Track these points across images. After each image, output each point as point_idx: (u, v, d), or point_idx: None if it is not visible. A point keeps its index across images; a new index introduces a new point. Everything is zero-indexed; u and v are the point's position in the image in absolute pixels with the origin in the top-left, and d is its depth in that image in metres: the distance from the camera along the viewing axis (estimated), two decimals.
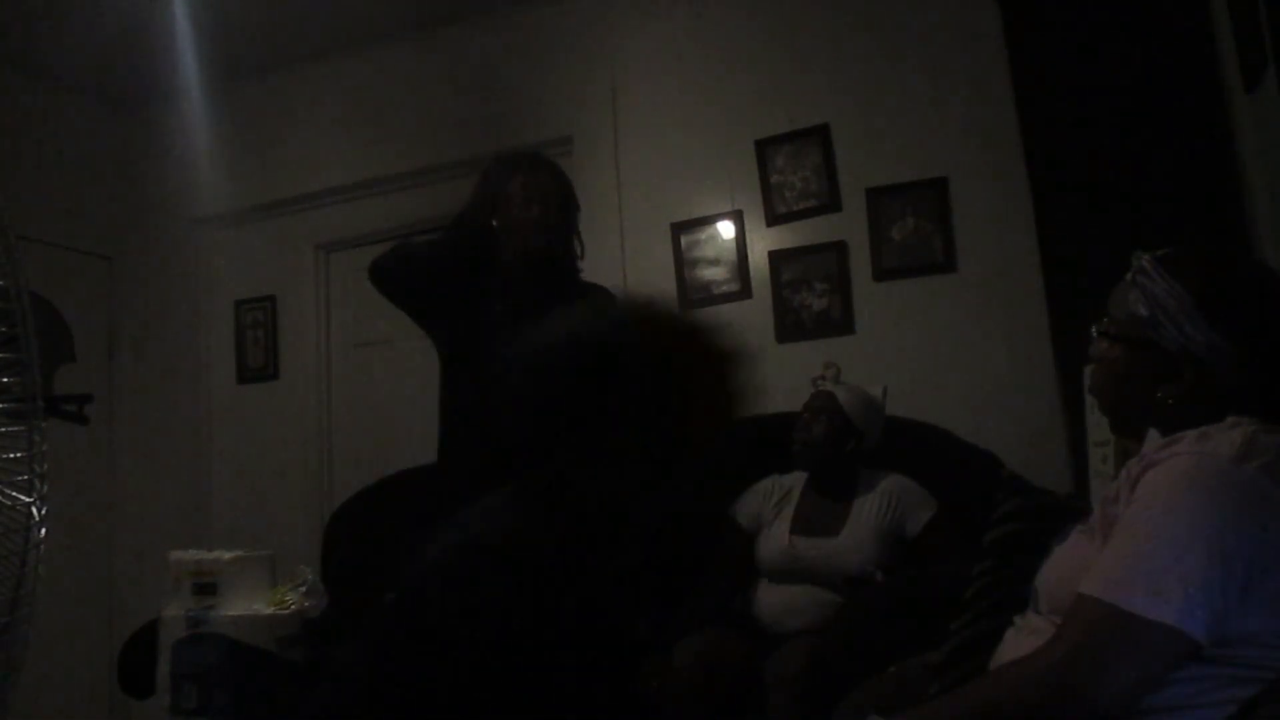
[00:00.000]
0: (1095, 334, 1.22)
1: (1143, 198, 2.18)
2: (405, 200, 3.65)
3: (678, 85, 3.25)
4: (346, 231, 3.81)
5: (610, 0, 3.37)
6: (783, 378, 2.90)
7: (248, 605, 2.36)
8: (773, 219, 3.09)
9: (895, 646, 1.54)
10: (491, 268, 2.28)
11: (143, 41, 3.47)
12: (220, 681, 2.21)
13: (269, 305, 3.89)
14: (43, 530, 1.63)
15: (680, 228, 3.20)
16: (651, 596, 2.15)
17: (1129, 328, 1.16)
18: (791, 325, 3.01)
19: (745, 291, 3.08)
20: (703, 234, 3.17)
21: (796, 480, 2.44)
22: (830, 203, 3.02)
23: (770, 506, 2.42)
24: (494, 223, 2.26)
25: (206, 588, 2.36)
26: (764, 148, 3.10)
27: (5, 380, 1.59)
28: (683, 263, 3.18)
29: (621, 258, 3.23)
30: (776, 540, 2.32)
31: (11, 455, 1.61)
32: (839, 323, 2.96)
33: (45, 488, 1.63)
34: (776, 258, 3.07)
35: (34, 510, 1.61)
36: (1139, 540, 1.00)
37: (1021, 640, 1.15)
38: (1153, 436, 1.17)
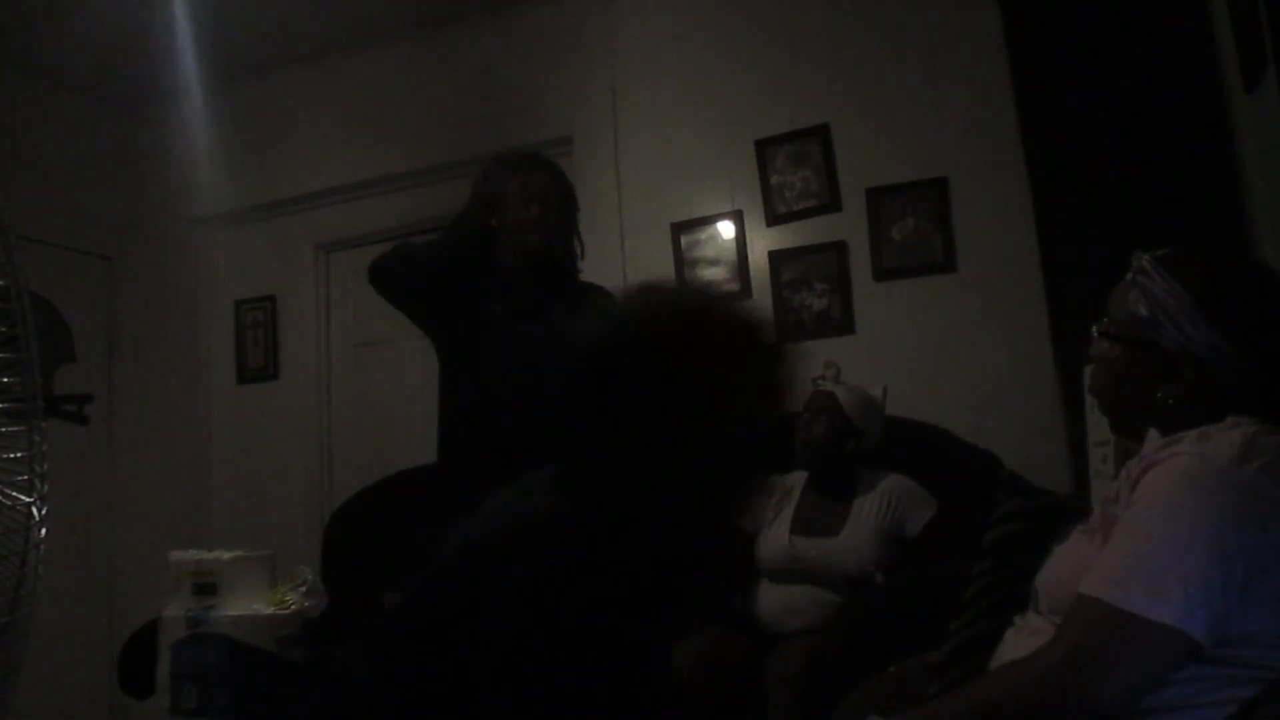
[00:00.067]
0: (1095, 334, 1.22)
1: (1143, 198, 2.18)
2: (405, 200, 3.65)
3: (678, 85, 3.25)
4: (346, 231, 3.81)
5: (610, 0, 3.37)
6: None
7: (248, 605, 2.36)
8: (773, 219, 3.09)
9: (895, 646, 1.54)
10: (491, 268, 2.28)
11: (143, 41, 3.47)
12: (220, 681, 2.21)
13: (269, 305, 3.89)
14: (43, 530, 1.63)
15: (680, 228, 3.20)
16: (653, 598, 2.14)
17: (1129, 328, 1.16)
18: (791, 325, 3.01)
19: (745, 291, 3.08)
20: (703, 234, 3.17)
21: (796, 480, 2.44)
22: (830, 203, 3.02)
23: (770, 507, 2.42)
24: (493, 223, 2.26)
25: (206, 588, 2.36)
26: (764, 148, 3.10)
27: (5, 380, 1.59)
28: (683, 263, 3.18)
29: (621, 258, 3.23)
30: (776, 540, 2.32)
31: (11, 455, 1.61)
32: (839, 323, 2.96)
33: (45, 488, 1.63)
34: (776, 258, 3.07)
35: (34, 510, 1.61)
36: (1139, 540, 1.00)
37: (1021, 640, 1.15)
38: (1153, 436, 1.17)
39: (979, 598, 1.39)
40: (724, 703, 2.01)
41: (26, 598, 1.61)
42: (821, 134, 3.04)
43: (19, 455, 1.61)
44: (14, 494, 1.60)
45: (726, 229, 3.14)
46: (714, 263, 3.14)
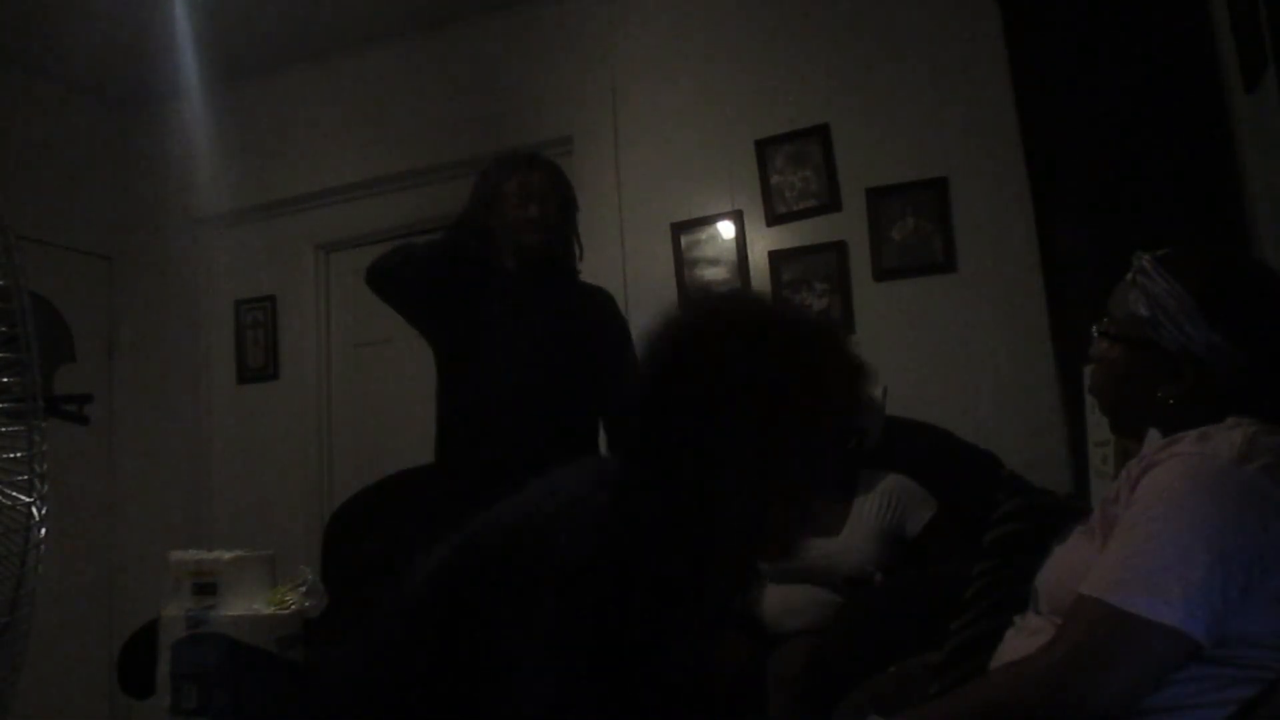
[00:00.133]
0: (1095, 334, 1.22)
1: (1143, 198, 2.18)
2: (405, 200, 3.65)
3: (678, 85, 3.25)
4: (346, 231, 3.81)
5: (610, 0, 3.37)
6: None
7: (248, 605, 2.36)
8: (773, 219, 3.09)
9: (895, 646, 1.54)
10: (490, 268, 2.28)
11: (143, 41, 3.47)
12: (220, 681, 2.21)
13: (269, 305, 3.89)
14: (43, 530, 1.63)
15: (680, 228, 3.20)
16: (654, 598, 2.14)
17: (1129, 328, 1.16)
18: None
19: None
20: (703, 234, 3.17)
21: None
22: (830, 203, 3.02)
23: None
24: (492, 223, 2.26)
25: (206, 588, 2.36)
26: (764, 148, 3.11)
27: (5, 380, 1.59)
28: (683, 263, 3.18)
29: (621, 258, 3.23)
30: None
31: (11, 455, 1.61)
32: (839, 323, 2.96)
33: (45, 488, 1.63)
34: (776, 258, 3.07)
35: (34, 510, 1.61)
36: (1139, 541, 1.00)
37: (1021, 640, 1.15)
38: (1153, 437, 1.17)
39: (979, 598, 1.39)
40: (724, 703, 2.01)
41: (26, 598, 1.61)
42: (821, 134, 3.04)
43: (19, 455, 1.61)
44: (14, 494, 1.60)
45: (726, 229, 3.14)
46: (714, 263, 3.14)
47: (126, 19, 3.34)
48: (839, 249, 2.99)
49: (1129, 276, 1.17)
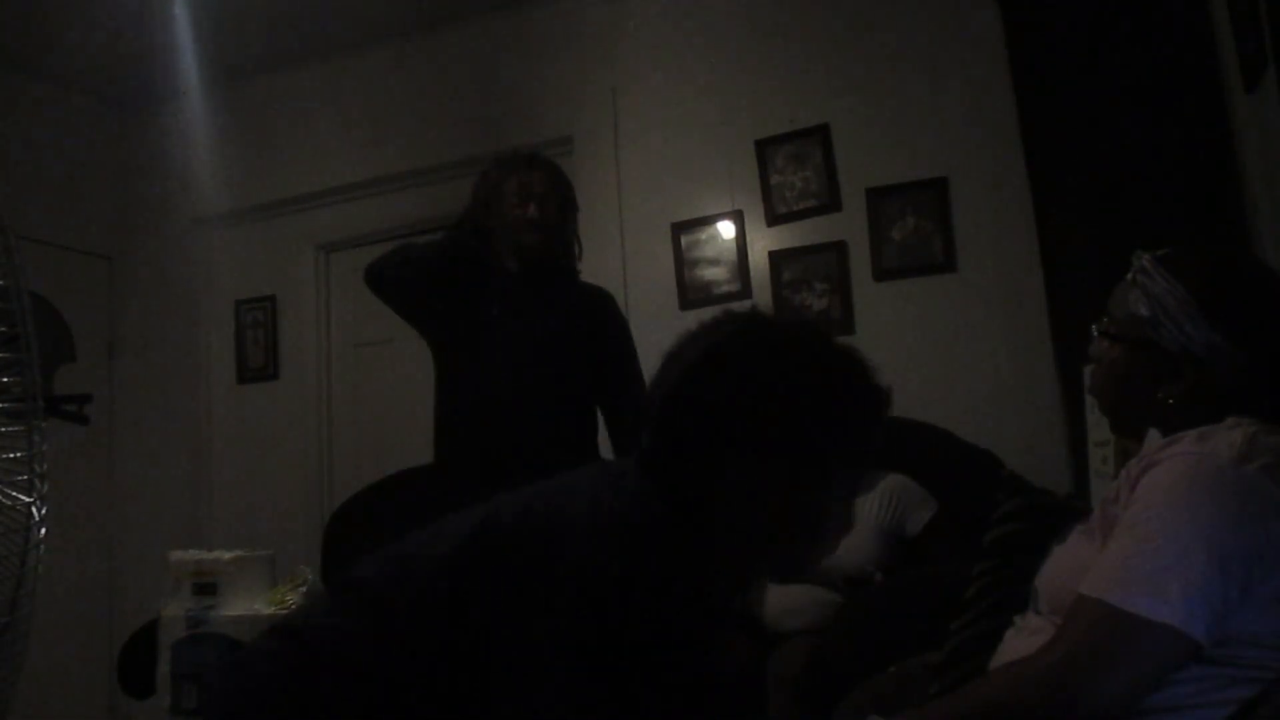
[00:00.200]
0: (1095, 334, 1.22)
1: (1143, 198, 2.18)
2: (405, 200, 3.65)
3: (678, 85, 3.25)
4: (346, 231, 3.81)
5: (610, 0, 3.37)
6: None
7: (248, 605, 2.36)
8: (773, 219, 3.09)
9: (895, 646, 1.54)
10: (489, 269, 2.28)
11: (143, 41, 3.47)
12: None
13: (269, 305, 3.89)
14: (43, 530, 1.63)
15: (680, 228, 3.20)
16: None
17: (1129, 327, 1.16)
18: None
19: (745, 291, 3.08)
20: (703, 234, 3.17)
21: None
22: (830, 203, 3.02)
23: None
24: (491, 223, 2.26)
25: (206, 588, 2.36)
26: (764, 148, 3.10)
27: (5, 380, 1.59)
28: (683, 263, 3.18)
29: (621, 258, 3.23)
30: None
31: (11, 455, 1.61)
32: (839, 323, 2.96)
33: (45, 488, 1.63)
34: (776, 258, 3.07)
35: (34, 510, 1.61)
36: (1139, 541, 1.00)
37: (1021, 640, 1.15)
38: (1153, 437, 1.16)
39: (979, 598, 1.39)
40: (724, 703, 2.01)
41: (26, 598, 1.61)
42: (821, 134, 3.04)
43: (19, 455, 1.61)
44: (14, 494, 1.60)
45: (726, 229, 3.14)
46: (714, 263, 3.14)
47: (126, 19, 3.34)
48: (839, 249, 2.99)
49: (1129, 276, 1.17)
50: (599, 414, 2.35)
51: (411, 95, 3.66)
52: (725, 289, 3.10)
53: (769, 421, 1.00)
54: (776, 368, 1.02)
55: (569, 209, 2.34)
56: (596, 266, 2.65)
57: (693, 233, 3.18)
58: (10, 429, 1.61)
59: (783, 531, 1.04)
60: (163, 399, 3.96)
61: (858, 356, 1.07)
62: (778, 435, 1.00)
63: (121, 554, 3.90)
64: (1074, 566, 1.09)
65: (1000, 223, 2.78)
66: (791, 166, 3.07)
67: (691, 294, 3.15)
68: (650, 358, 1.12)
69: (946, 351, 2.82)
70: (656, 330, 1.29)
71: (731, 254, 3.12)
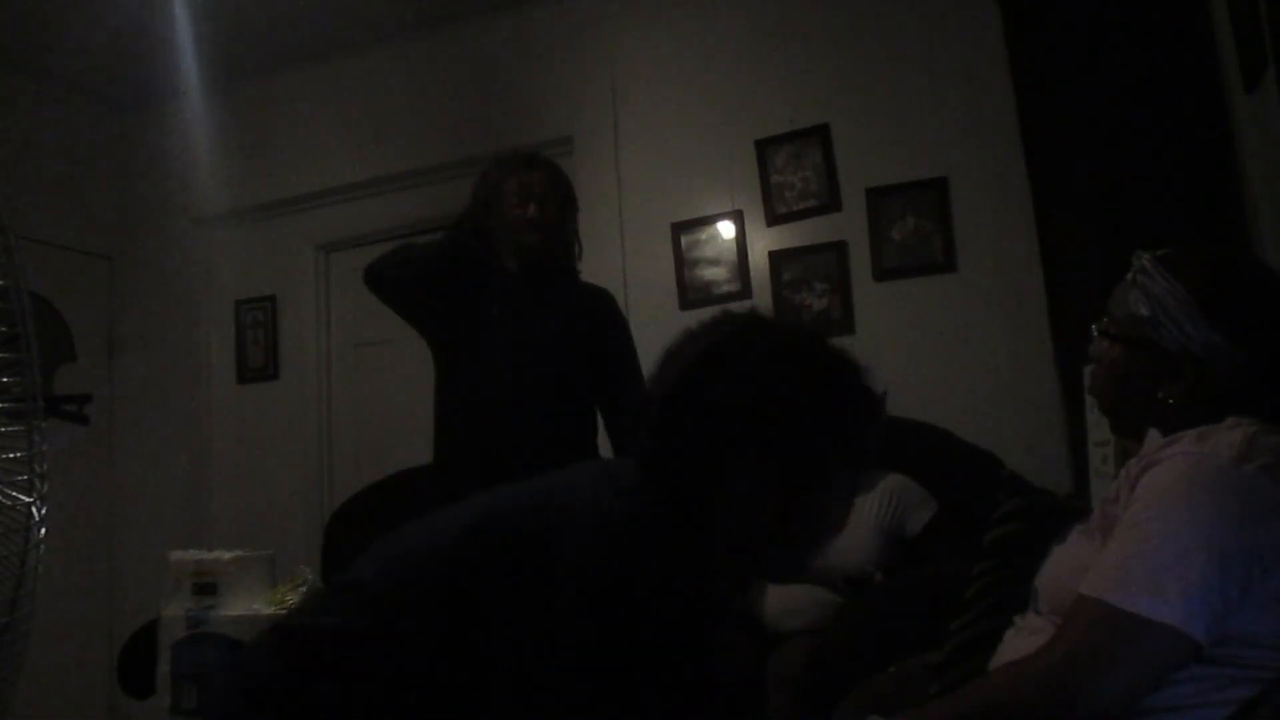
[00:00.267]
0: (1095, 334, 1.22)
1: (1143, 198, 2.18)
2: (405, 200, 3.65)
3: (678, 85, 3.25)
4: (346, 231, 3.81)
5: (610, 0, 3.37)
6: None
7: (248, 605, 2.36)
8: (773, 219, 3.09)
9: (895, 646, 1.54)
10: (488, 269, 2.28)
11: (143, 41, 3.47)
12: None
13: (269, 305, 3.89)
14: (43, 530, 1.63)
15: (680, 228, 3.20)
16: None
17: (1129, 327, 1.16)
18: None
19: (745, 292, 3.08)
20: (703, 234, 3.17)
21: None
22: (830, 203, 3.02)
23: None
24: (491, 223, 2.26)
25: (206, 588, 2.36)
26: (764, 148, 3.11)
27: (5, 380, 1.59)
28: (683, 263, 3.18)
29: (621, 258, 3.23)
30: None
31: (11, 455, 1.61)
32: (839, 323, 2.96)
33: (45, 488, 1.63)
34: (776, 258, 3.07)
35: (34, 510, 1.61)
36: (1139, 540, 1.00)
37: (1021, 640, 1.15)
38: (1153, 436, 1.16)
39: (979, 598, 1.39)
40: (724, 703, 2.01)
41: (26, 598, 1.61)
42: (821, 134, 3.04)
43: (19, 455, 1.61)
44: (14, 494, 1.60)
45: (726, 229, 3.14)
46: (714, 263, 3.14)
47: (126, 19, 3.34)
48: (839, 249, 2.99)
49: (1129, 276, 1.17)
50: (599, 414, 2.35)
51: (411, 95, 3.66)
52: (725, 289, 3.10)
53: (767, 422, 1.01)
54: (775, 369, 1.03)
55: (569, 209, 2.34)
56: (596, 266, 2.65)
57: (693, 233, 3.18)
58: (10, 429, 1.61)
59: (781, 531, 1.05)
60: (163, 399, 3.96)
61: (852, 358, 1.09)
62: (776, 435, 1.01)
63: (121, 554, 3.90)
64: (1074, 566, 1.09)
65: (1000, 223, 2.78)
66: (791, 166, 3.07)
67: (691, 294, 3.15)
68: (650, 358, 1.12)
69: (946, 351, 2.82)
70: (656, 330, 1.29)
71: (731, 254, 3.12)
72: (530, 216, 2.22)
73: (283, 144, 3.86)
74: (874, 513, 2.27)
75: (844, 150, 3.01)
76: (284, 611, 2.32)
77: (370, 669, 0.99)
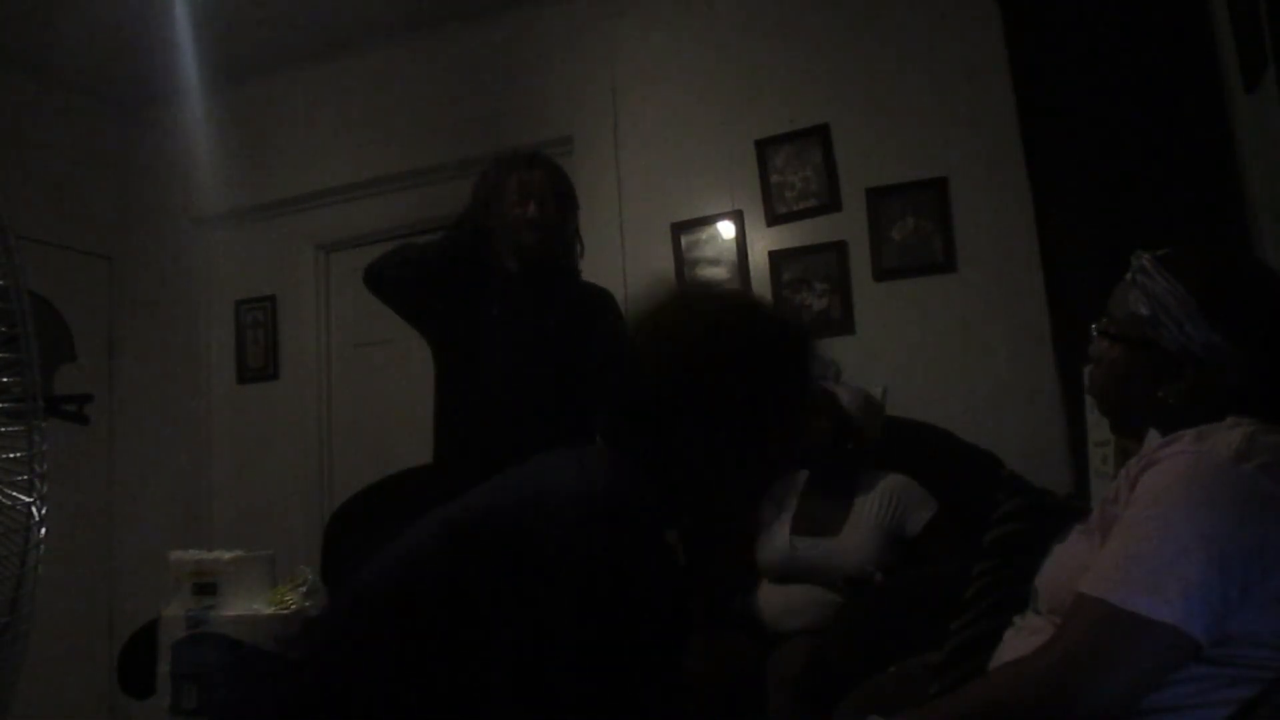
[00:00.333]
0: (1095, 334, 1.22)
1: (1143, 198, 2.18)
2: (405, 200, 3.65)
3: (678, 85, 3.25)
4: (346, 231, 3.81)
5: (610, 0, 3.37)
6: None
7: (248, 605, 2.36)
8: (773, 219, 3.09)
9: (895, 646, 1.54)
10: (489, 268, 2.27)
11: (143, 41, 3.47)
12: (220, 681, 2.21)
13: (269, 305, 3.89)
14: (43, 530, 1.63)
15: (680, 228, 3.20)
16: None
17: (1129, 327, 1.16)
18: None
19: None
20: (703, 234, 3.17)
21: (797, 480, 2.44)
22: (830, 203, 3.02)
23: (770, 507, 2.42)
24: (491, 223, 2.25)
25: (206, 588, 2.36)
26: (764, 148, 3.11)
27: (5, 380, 1.59)
28: (683, 263, 3.18)
29: (621, 258, 3.23)
30: (777, 541, 2.32)
31: (11, 455, 1.61)
32: (839, 323, 2.96)
33: (45, 488, 1.63)
34: (776, 258, 3.07)
35: (34, 510, 1.61)
36: (1138, 540, 1.00)
37: (1021, 640, 1.15)
38: (1153, 437, 1.16)
39: (979, 598, 1.39)
40: (724, 703, 2.01)
41: (26, 598, 1.61)
42: (821, 134, 3.04)
43: (19, 455, 1.61)
44: (14, 494, 1.60)
45: (726, 229, 3.14)
46: (714, 263, 3.14)
47: (126, 19, 3.34)
48: (839, 249, 2.99)
49: (1129, 276, 1.17)
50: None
51: (411, 95, 3.66)
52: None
53: (710, 380, 1.06)
54: (711, 331, 1.09)
55: (569, 208, 2.33)
56: (596, 266, 2.65)
57: (693, 233, 3.18)
58: (10, 429, 1.61)
59: (741, 480, 1.12)
60: (163, 399, 3.96)
61: (775, 310, 1.17)
62: (721, 394, 1.07)
63: (121, 554, 3.90)
64: (1074, 566, 1.09)
65: (1000, 223, 2.78)
66: (791, 166, 3.07)
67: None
68: None
69: (946, 351, 2.82)
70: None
71: (731, 254, 3.12)
72: (530, 216, 2.22)
73: (283, 144, 3.86)
74: (874, 513, 2.27)
75: (844, 150, 3.01)
76: (285, 612, 2.33)
77: (371, 670, 0.99)
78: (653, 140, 3.27)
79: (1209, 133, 2.11)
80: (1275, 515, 0.97)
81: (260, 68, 3.83)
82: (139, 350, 4.04)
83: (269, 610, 2.35)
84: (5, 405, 1.60)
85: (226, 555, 2.42)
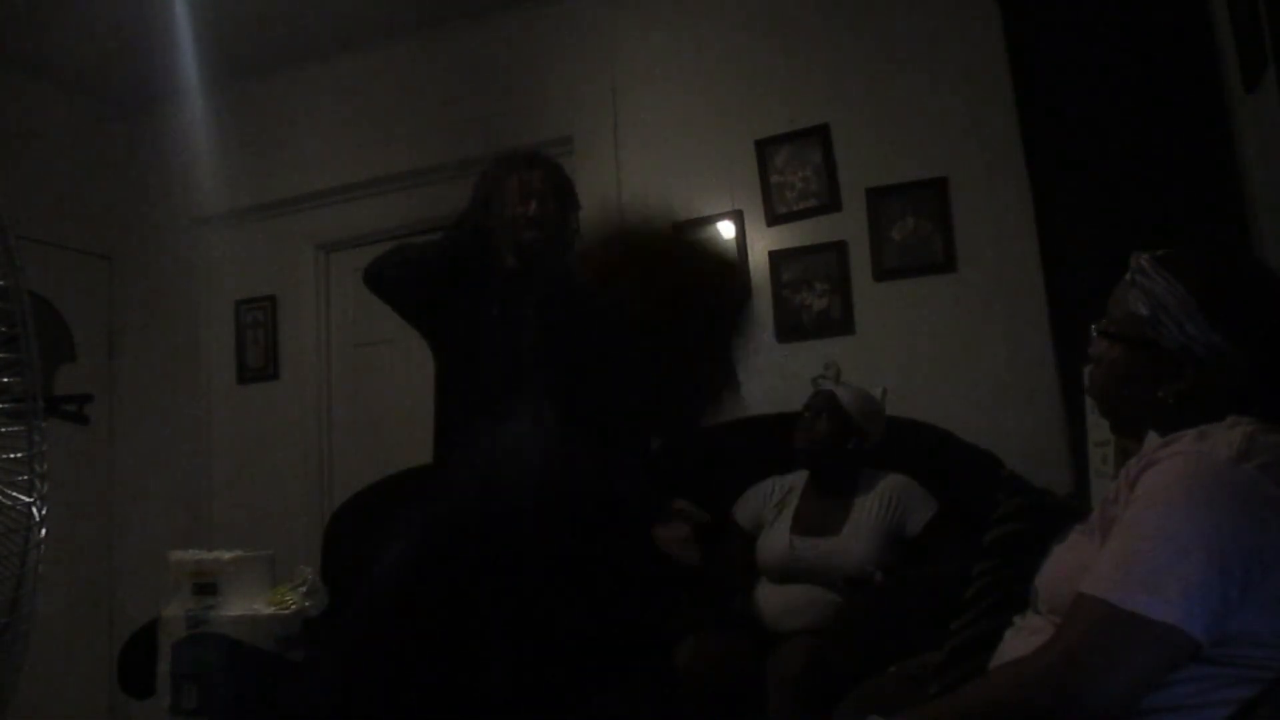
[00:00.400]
0: (1095, 334, 1.22)
1: (1143, 197, 2.18)
2: (405, 200, 3.65)
3: (678, 85, 3.25)
4: (346, 231, 3.81)
5: (610, 0, 3.37)
6: (783, 378, 2.90)
7: (248, 605, 2.36)
8: (773, 219, 3.09)
9: (895, 646, 1.54)
10: (489, 268, 2.27)
11: (143, 41, 3.47)
12: (220, 681, 2.21)
13: (269, 305, 3.89)
14: (43, 530, 1.63)
15: (680, 228, 3.19)
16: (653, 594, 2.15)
17: (1129, 327, 1.16)
18: (791, 325, 3.01)
19: (747, 291, 3.07)
20: (703, 234, 3.17)
21: (797, 480, 2.44)
22: (830, 203, 3.02)
23: (771, 507, 2.42)
24: (491, 222, 2.25)
25: (206, 588, 2.37)
26: (764, 148, 3.10)
27: (5, 380, 1.59)
28: None
29: None
30: (777, 541, 2.32)
31: (11, 455, 1.61)
32: (839, 323, 2.96)
33: (45, 488, 1.63)
34: (776, 258, 3.07)
35: (34, 510, 1.61)
36: (1138, 540, 1.00)
37: (1021, 640, 1.15)
38: (1153, 437, 1.17)
39: (979, 598, 1.39)
40: (724, 703, 2.01)
41: (26, 598, 1.61)
42: (821, 134, 3.04)
43: (19, 455, 1.61)
44: (14, 494, 1.60)
45: (726, 229, 3.14)
46: None
47: (126, 19, 3.34)
48: (839, 249, 2.99)
49: (1128, 276, 1.17)
50: None
51: (411, 95, 3.66)
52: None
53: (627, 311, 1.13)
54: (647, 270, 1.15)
55: (570, 207, 2.33)
56: None
57: (693, 233, 3.18)
58: (10, 429, 1.61)
59: (676, 394, 1.19)
60: (163, 399, 3.96)
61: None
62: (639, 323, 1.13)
63: (121, 554, 3.90)
64: (1074, 566, 1.09)
65: (1000, 223, 2.78)
66: (791, 166, 3.07)
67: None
68: None
69: (946, 351, 2.82)
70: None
71: (731, 254, 3.12)
72: (530, 215, 2.22)
73: (283, 144, 3.86)
74: (874, 513, 2.27)
75: (844, 150, 3.01)
76: (285, 612, 2.33)
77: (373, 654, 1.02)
78: (653, 140, 3.27)
79: (1209, 133, 2.11)
80: (1275, 515, 0.97)
81: (260, 68, 3.83)
82: (139, 350, 4.04)
83: (269, 610, 2.36)
84: (5, 405, 1.60)
85: (226, 555, 2.42)
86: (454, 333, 2.30)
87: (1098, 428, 1.83)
